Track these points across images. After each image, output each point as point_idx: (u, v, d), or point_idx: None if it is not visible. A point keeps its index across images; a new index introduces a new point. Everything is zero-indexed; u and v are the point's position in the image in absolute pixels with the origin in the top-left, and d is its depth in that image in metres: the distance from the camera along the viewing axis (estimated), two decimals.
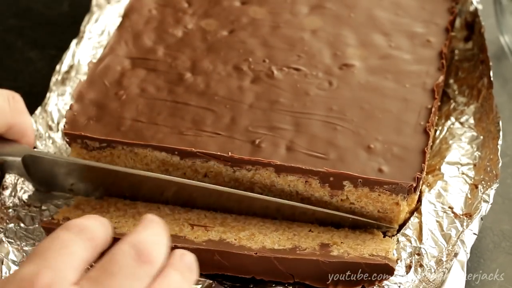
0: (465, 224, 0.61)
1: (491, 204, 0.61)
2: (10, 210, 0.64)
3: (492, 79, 0.70)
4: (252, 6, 0.74)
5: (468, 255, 0.59)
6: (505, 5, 0.76)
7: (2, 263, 0.59)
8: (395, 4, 0.74)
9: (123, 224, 0.60)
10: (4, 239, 0.61)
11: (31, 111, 0.73)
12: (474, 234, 0.60)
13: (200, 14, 0.73)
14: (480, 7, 0.77)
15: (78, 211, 0.62)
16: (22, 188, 0.66)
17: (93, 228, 0.44)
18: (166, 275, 0.43)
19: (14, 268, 0.60)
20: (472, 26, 0.77)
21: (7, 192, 0.66)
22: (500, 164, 0.63)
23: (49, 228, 0.59)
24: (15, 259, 0.60)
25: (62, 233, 0.43)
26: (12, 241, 0.62)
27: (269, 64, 0.68)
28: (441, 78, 0.67)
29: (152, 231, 0.44)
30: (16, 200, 0.65)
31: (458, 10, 0.76)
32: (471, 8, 0.78)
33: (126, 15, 0.73)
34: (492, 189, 0.62)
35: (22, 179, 0.66)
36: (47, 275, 0.40)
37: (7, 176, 0.67)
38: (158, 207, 0.63)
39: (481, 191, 0.62)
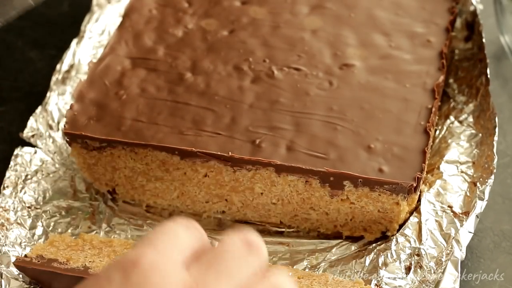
0: (463, 222, 0.61)
1: (487, 201, 0.61)
2: (11, 212, 0.64)
3: (489, 76, 0.69)
4: (252, 6, 0.74)
5: (464, 254, 0.58)
6: (505, 5, 0.76)
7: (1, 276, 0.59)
8: (395, 4, 0.74)
9: (97, 264, 0.59)
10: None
11: (32, 110, 0.73)
12: (470, 232, 0.60)
13: (201, 14, 0.73)
14: (480, 7, 0.77)
15: (52, 248, 0.61)
16: (23, 187, 0.67)
17: (197, 226, 0.43)
18: (274, 274, 0.42)
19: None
20: (472, 26, 0.77)
21: (7, 192, 0.66)
22: (495, 160, 0.63)
23: (23, 267, 0.58)
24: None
25: (169, 223, 0.42)
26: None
27: (269, 64, 0.68)
28: (441, 78, 0.67)
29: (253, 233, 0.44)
30: (17, 202, 0.65)
31: (458, 10, 0.76)
32: (471, 8, 0.78)
33: (126, 15, 0.73)
34: (487, 185, 0.62)
35: (23, 179, 0.67)
36: (152, 255, 0.39)
37: (7, 174, 0.67)
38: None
39: (479, 188, 0.62)
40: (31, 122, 0.72)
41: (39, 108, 0.73)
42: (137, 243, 0.41)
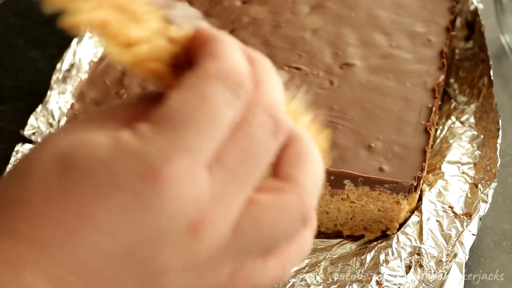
0: (465, 224, 0.61)
1: (490, 203, 0.61)
2: None
3: (492, 78, 0.70)
4: (253, 5, 0.74)
5: (467, 256, 0.59)
6: (505, 5, 0.76)
7: None
8: (396, 4, 0.74)
9: None
10: None
11: (32, 109, 0.73)
12: (473, 235, 0.60)
13: (201, 14, 0.73)
14: (480, 6, 0.77)
15: None
16: None
17: (247, 75, 0.32)
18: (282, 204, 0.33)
19: None
20: (473, 25, 0.77)
21: None
22: (498, 163, 0.63)
23: None
24: None
25: (215, 93, 0.30)
26: None
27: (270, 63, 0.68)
28: (442, 77, 0.67)
29: (277, 85, 0.34)
30: None
31: (458, 9, 0.77)
32: (472, 8, 0.78)
33: None
34: (490, 188, 0.62)
35: None
36: (180, 163, 0.29)
37: (7, 170, 0.67)
38: None
39: (480, 190, 0.63)
40: (31, 120, 0.72)
41: (40, 107, 0.73)
42: (161, 122, 0.30)
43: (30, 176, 0.30)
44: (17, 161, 0.31)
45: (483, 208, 0.61)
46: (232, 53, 0.32)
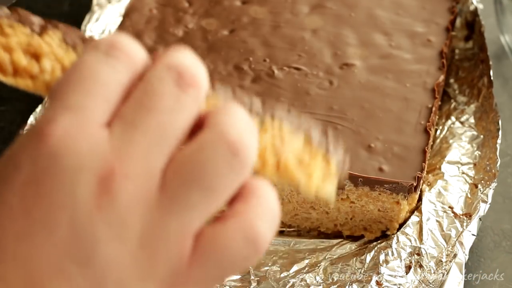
0: (465, 224, 0.61)
1: (489, 204, 0.61)
2: None
3: (492, 78, 0.70)
4: (252, 5, 0.74)
5: (467, 257, 0.59)
6: (505, 5, 0.76)
7: None
8: (396, 4, 0.74)
9: None
10: None
11: (32, 110, 0.73)
12: (473, 235, 0.60)
13: (201, 14, 0.73)
14: (480, 6, 0.77)
15: None
16: None
17: (127, 43, 0.32)
18: (213, 140, 0.31)
19: None
20: (473, 25, 0.77)
21: None
22: (498, 163, 0.63)
23: None
24: None
25: (88, 56, 0.31)
26: None
27: (270, 63, 0.68)
28: (442, 77, 0.67)
29: (186, 54, 0.33)
30: None
31: (458, 9, 0.77)
32: (472, 8, 0.78)
33: (126, 15, 0.73)
34: (490, 188, 0.62)
35: None
36: (64, 121, 0.29)
37: None
38: None
39: (480, 190, 0.63)
40: (31, 120, 0.72)
41: (39, 107, 0.73)
42: (49, 96, 0.31)
43: None
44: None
45: (483, 208, 0.61)
46: (117, 36, 0.32)
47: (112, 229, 0.29)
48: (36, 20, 0.38)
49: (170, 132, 0.30)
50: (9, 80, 0.33)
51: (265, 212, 0.32)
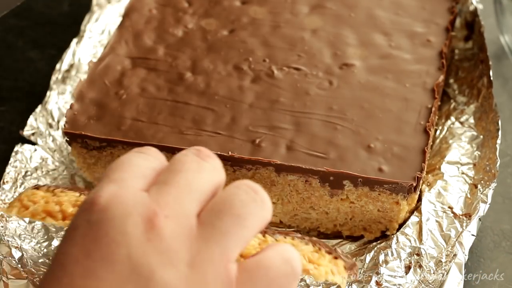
0: (464, 224, 0.61)
1: (489, 204, 0.61)
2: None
3: (491, 78, 0.70)
4: (252, 5, 0.74)
5: (467, 257, 0.59)
6: (505, 5, 0.76)
7: (2, 265, 0.60)
8: (395, 4, 0.74)
9: None
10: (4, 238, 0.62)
11: (32, 110, 0.73)
12: (473, 235, 0.60)
13: (201, 14, 0.73)
14: (480, 6, 0.77)
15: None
16: (22, 183, 0.67)
17: (155, 150, 0.42)
18: (236, 185, 0.40)
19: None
20: (472, 25, 0.77)
21: (7, 187, 0.66)
22: (498, 164, 0.63)
23: None
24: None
25: (122, 156, 0.41)
26: (12, 239, 0.62)
27: (269, 63, 0.68)
28: (441, 77, 0.67)
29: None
30: (16, 195, 0.65)
31: (458, 9, 0.77)
32: (471, 8, 0.78)
33: (126, 15, 0.73)
34: (490, 189, 0.62)
35: (23, 175, 0.67)
36: (108, 189, 0.37)
37: (7, 170, 0.67)
38: None
39: (480, 191, 0.63)
40: (31, 120, 0.72)
41: (39, 107, 0.73)
42: (98, 181, 0.41)
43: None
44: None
45: (483, 209, 0.61)
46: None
47: (163, 256, 0.36)
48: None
49: (196, 186, 0.39)
50: (59, 224, 0.47)
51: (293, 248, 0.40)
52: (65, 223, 0.48)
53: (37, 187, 0.50)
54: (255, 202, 0.39)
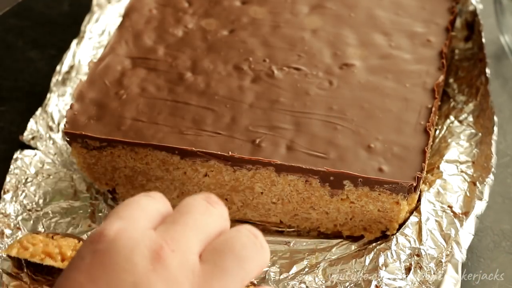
0: (463, 223, 0.61)
1: (486, 201, 0.61)
2: (12, 217, 0.64)
3: (488, 75, 0.70)
4: (252, 6, 0.74)
5: (464, 255, 0.58)
6: (505, 5, 0.76)
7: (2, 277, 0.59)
8: (395, 4, 0.74)
9: None
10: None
11: (32, 111, 0.73)
12: (470, 233, 0.60)
13: (201, 14, 0.73)
14: (480, 6, 0.77)
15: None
16: (23, 191, 0.66)
17: (162, 195, 0.44)
18: (237, 229, 0.43)
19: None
20: (472, 25, 0.77)
21: (7, 197, 0.66)
22: (493, 159, 0.63)
23: None
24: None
25: (130, 198, 0.43)
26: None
27: (270, 63, 0.68)
28: (442, 77, 0.67)
29: None
30: (17, 206, 0.65)
31: (458, 9, 0.77)
32: (471, 8, 0.78)
33: (126, 15, 0.73)
34: (485, 184, 0.62)
35: (23, 182, 0.67)
36: (117, 223, 0.40)
37: (7, 178, 0.67)
38: None
39: (478, 188, 0.62)
40: (31, 124, 0.71)
41: (39, 110, 0.73)
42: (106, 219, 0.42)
43: None
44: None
45: (479, 206, 0.61)
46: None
47: (168, 286, 0.38)
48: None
49: (202, 227, 0.41)
50: (59, 265, 0.51)
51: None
52: (64, 265, 0.52)
53: (36, 232, 0.53)
54: (255, 246, 0.41)
